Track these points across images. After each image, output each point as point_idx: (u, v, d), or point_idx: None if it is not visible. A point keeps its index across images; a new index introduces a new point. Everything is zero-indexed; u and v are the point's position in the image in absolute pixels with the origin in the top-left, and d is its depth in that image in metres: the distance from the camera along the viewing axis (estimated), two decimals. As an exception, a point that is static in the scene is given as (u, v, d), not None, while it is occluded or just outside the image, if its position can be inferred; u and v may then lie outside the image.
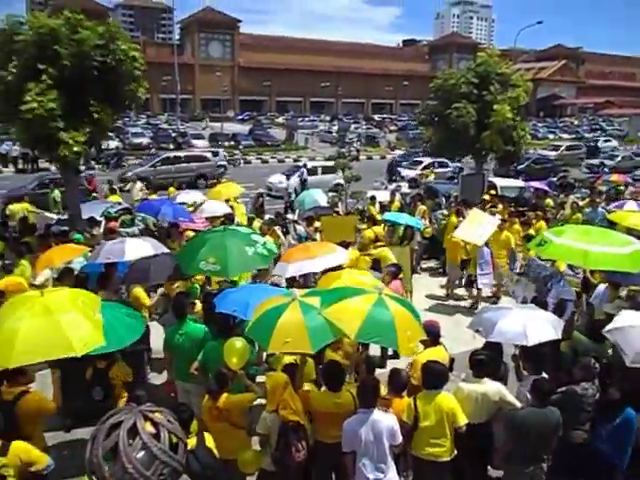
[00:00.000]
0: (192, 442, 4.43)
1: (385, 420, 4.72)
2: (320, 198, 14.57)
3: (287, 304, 4.99)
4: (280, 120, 69.09)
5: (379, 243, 10.44)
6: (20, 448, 4.39)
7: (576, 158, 35.39)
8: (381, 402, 5.03)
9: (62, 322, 4.60)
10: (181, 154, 27.99)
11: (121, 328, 5.22)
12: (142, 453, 3.00)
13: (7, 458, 4.26)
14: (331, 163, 23.50)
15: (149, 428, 3.07)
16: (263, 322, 4.95)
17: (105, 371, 5.83)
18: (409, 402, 5.06)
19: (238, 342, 5.27)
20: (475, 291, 11.02)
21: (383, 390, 5.26)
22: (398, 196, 15.70)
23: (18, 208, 13.95)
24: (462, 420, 4.92)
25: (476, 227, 10.39)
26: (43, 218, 13.29)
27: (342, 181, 19.53)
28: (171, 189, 16.93)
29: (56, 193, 16.22)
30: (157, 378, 7.76)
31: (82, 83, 11.07)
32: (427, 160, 26.71)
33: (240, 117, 72.54)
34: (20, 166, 29.83)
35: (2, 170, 29.63)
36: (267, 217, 12.79)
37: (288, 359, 5.72)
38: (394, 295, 5.55)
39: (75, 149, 11.12)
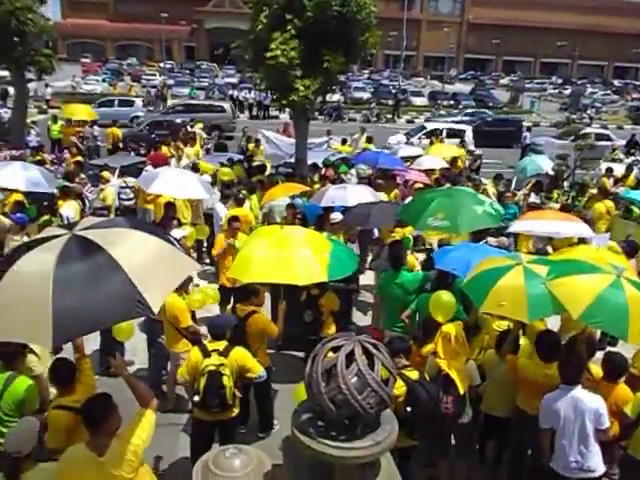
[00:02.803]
0: (415, 374, 4.60)
1: (589, 401, 4.35)
2: (545, 165, 13.56)
3: (511, 266, 4.80)
4: (505, 81, 65.25)
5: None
6: (239, 354, 4.92)
7: None
8: (589, 383, 4.68)
9: (294, 255, 5.22)
10: (197, 102, 27.70)
11: (345, 260, 5.65)
12: (356, 379, 3.20)
13: (227, 359, 4.81)
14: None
15: (364, 357, 3.26)
16: (481, 280, 4.83)
17: (317, 298, 6.32)
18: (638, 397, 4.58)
19: (445, 295, 5.24)
20: None
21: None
22: (636, 171, 14.01)
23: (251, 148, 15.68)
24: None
25: None
26: (274, 159, 14.41)
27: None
28: None
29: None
30: (361, 320, 8.15)
31: (320, 33, 11.58)
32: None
33: (463, 76, 70.15)
34: (254, 113, 33.00)
35: (239, 115, 32.89)
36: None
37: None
38: (633, 279, 4.96)
39: (304, 94, 11.78)
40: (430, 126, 23.01)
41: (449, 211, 6.58)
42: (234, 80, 44.87)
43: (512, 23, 79.71)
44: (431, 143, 17.81)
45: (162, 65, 53.09)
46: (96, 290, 3.04)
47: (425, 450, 5.13)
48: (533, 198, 11.09)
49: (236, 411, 5.03)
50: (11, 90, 24.40)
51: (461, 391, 4.88)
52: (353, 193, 8.46)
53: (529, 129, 24.48)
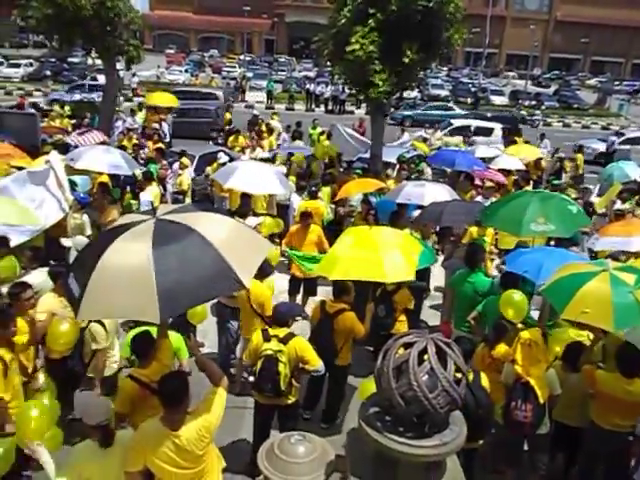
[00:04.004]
0: (469, 377, 4.51)
1: None
2: (633, 172, 12.81)
3: (596, 273, 4.63)
4: (592, 82, 62.22)
5: None
6: (299, 343, 4.97)
7: None
8: None
9: (383, 253, 5.27)
10: (191, 89, 27.38)
11: (426, 253, 5.83)
12: (427, 377, 3.15)
13: (286, 347, 4.86)
14: None
15: (437, 356, 3.21)
16: (563, 285, 4.67)
17: (392, 294, 6.32)
18: None
19: (517, 295, 5.17)
20: None
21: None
22: None
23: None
24: None
25: None
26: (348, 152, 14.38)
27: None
28: None
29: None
30: (430, 319, 8.04)
31: (403, 28, 11.44)
32: None
33: (547, 76, 67.53)
34: (330, 107, 33.05)
35: (314, 109, 33.09)
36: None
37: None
38: None
39: (382, 90, 11.68)
40: (457, 123, 22.42)
41: (549, 214, 6.38)
42: (311, 74, 45.22)
43: (603, 21, 75.70)
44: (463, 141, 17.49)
45: (242, 57, 54.16)
46: (193, 267, 3.22)
47: (492, 456, 5.01)
48: (619, 205, 10.56)
49: (292, 399, 5.09)
50: (100, 78, 25.70)
51: (541, 400, 4.73)
52: (430, 191, 8.38)
53: (618, 134, 23.26)
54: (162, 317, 3.14)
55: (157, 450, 3.42)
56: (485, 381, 4.73)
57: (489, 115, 26.91)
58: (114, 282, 3.19)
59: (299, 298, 8.30)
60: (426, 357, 3.17)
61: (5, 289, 5.58)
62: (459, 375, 3.24)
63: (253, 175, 9.09)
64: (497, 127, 21.60)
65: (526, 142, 17.74)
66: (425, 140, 16.87)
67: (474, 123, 22.55)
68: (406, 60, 11.50)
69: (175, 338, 5.23)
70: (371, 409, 3.36)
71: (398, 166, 12.67)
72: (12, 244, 6.66)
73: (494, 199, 9.52)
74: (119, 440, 3.73)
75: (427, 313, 8.24)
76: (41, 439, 4.23)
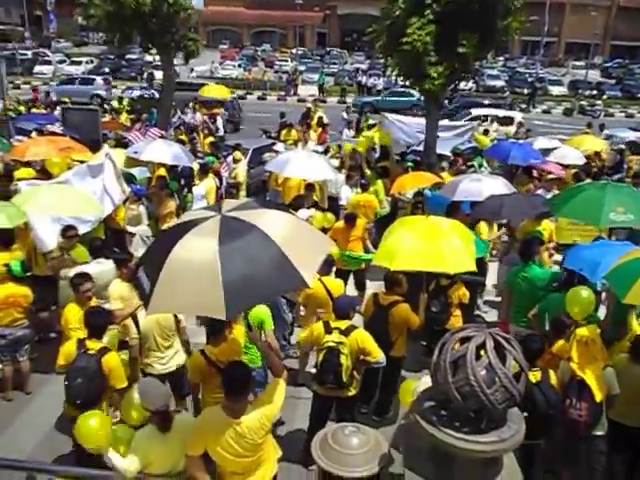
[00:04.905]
0: (537, 376, 4.43)
1: None
2: None
3: (660, 258, 4.43)
4: (657, 70, 59.34)
5: None
6: (360, 335, 5.00)
7: None
8: None
9: (442, 243, 5.27)
10: (188, 81, 27.28)
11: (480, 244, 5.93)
12: (485, 372, 3.11)
13: (347, 339, 4.89)
14: None
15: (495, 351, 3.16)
16: (626, 270, 4.57)
17: (446, 288, 6.25)
18: None
19: (584, 291, 5.05)
20: None
21: None
22: None
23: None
24: None
25: None
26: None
27: None
28: None
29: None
30: (487, 315, 7.91)
31: (459, 17, 11.21)
32: None
33: (608, 64, 64.76)
34: (382, 99, 32.89)
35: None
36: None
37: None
38: None
39: (437, 82, 11.50)
40: (476, 112, 21.70)
41: (628, 204, 6.22)
42: (363, 66, 44.95)
43: (672, 6, 72.08)
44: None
45: (294, 51, 54.37)
46: (258, 265, 3.30)
47: (547, 456, 4.90)
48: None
49: (353, 391, 5.11)
50: (156, 73, 26.35)
51: (597, 398, 4.58)
52: (488, 186, 8.09)
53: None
54: (228, 314, 3.21)
55: (218, 436, 3.52)
56: (554, 379, 4.63)
57: (486, 102, 26.38)
58: (182, 279, 3.28)
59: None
60: (483, 352, 3.12)
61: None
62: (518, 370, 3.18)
63: (307, 162, 9.35)
64: (517, 116, 20.80)
65: (585, 133, 17.12)
66: (487, 132, 16.43)
67: (493, 112, 21.97)
68: (462, 51, 11.29)
69: (260, 311, 5.37)
70: (426, 403, 3.34)
71: (452, 158, 12.46)
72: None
73: (556, 192, 9.23)
74: (177, 425, 3.86)
75: (483, 308, 8.12)
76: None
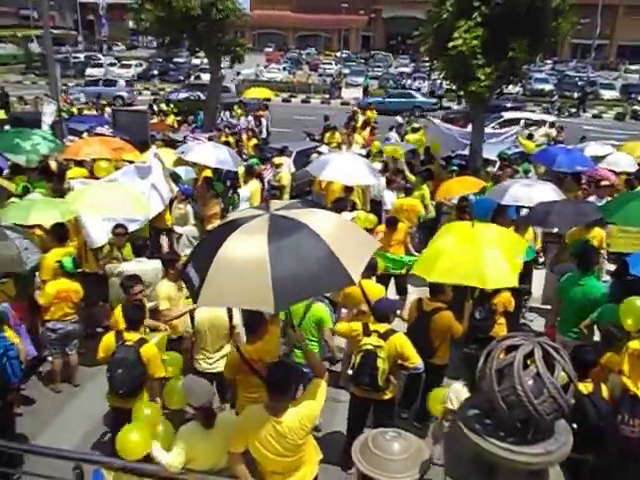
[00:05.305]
0: (588, 387, 4.32)
1: None
2: None
3: None
4: None
5: None
6: (399, 339, 4.97)
7: None
8: None
9: (484, 255, 5.05)
10: (202, 82, 27.17)
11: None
12: (532, 381, 3.03)
13: (385, 342, 4.87)
14: None
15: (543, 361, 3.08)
16: None
17: (491, 296, 6.15)
18: None
19: (638, 301, 4.86)
20: None
21: None
22: None
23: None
24: None
25: None
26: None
27: None
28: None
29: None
30: (532, 323, 7.78)
31: (507, 20, 11.02)
32: None
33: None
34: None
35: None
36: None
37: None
38: None
39: (484, 84, 11.32)
40: (508, 115, 21.29)
41: None
42: (407, 70, 44.69)
43: None
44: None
45: (338, 54, 54.50)
46: (306, 261, 3.34)
47: (595, 473, 4.74)
48: None
49: (390, 394, 5.10)
50: (203, 76, 26.82)
51: None
52: (539, 192, 7.82)
53: None
54: (277, 308, 3.26)
55: (259, 434, 3.55)
56: (605, 392, 4.50)
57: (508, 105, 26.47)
58: (231, 273, 3.33)
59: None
60: (531, 361, 3.05)
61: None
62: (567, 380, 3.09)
63: (346, 166, 9.27)
64: (548, 119, 20.35)
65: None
66: (531, 137, 16.05)
67: (525, 115, 21.57)
68: (511, 54, 11.10)
69: (320, 308, 5.42)
70: (470, 411, 3.29)
71: (499, 163, 12.23)
72: (125, 233, 7.17)
73: (609, 199, 8.95)
74: (221, 422, 3.92)
75: (528, 317, 7.94)
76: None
